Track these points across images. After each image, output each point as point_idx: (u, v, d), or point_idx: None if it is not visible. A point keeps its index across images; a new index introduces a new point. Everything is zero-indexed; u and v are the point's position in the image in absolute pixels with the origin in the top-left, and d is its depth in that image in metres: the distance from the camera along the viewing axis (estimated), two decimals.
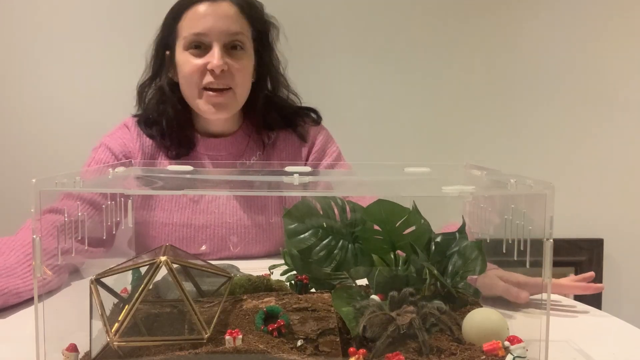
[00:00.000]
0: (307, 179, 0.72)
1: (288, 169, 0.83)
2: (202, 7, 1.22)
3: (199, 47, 1.22)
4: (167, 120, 1.28)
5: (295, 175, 0.70)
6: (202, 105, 1.24)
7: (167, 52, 1.28)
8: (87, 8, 1.71)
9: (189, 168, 0.87)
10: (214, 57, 1.19)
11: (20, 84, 1.72)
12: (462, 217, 0.84)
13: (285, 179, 0.71)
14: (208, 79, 1.21)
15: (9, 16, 1.70)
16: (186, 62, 1.22)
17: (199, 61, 1.21)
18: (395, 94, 1.79)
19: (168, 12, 1.27)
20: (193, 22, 1.22)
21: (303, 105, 1.39)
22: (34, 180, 0.61)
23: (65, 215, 0.73)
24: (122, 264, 0.67)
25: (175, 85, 1.28)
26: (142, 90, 1.33)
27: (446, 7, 1.79)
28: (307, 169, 0.87)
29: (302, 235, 0.80)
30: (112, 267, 0.65)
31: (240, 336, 0.61)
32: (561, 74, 1.81)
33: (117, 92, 1.70)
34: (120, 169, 0.87)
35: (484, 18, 1.79)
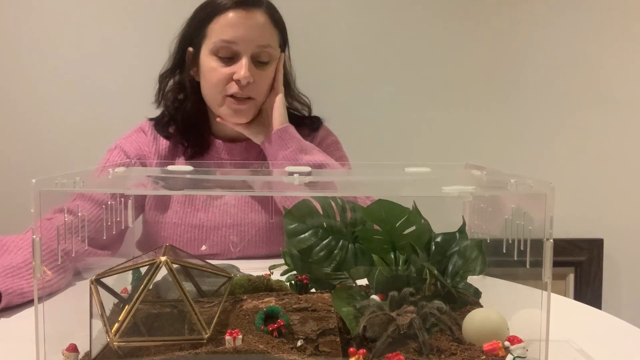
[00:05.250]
0: (307, 179, 0.72)
1: (288, 169, 0.83)
2: (235, 14, 1.21)
3: (227, 54, 1.22)
4: (184, 117, 1.29)
5: (295, 175, 0.70)
6: (223, 111, 1.25)
7: (190, 49, 1.28)
8: (88, 7, 1.71)
9: (189, 168, 0.87)
10: (242, 68, 1.20)
11: (20, 83, 1.72)
12: (462, 217, 0.84)
13: (285, 179, 0.71)
14: (233, 88, 1.22)
15: (8, 16, 1.70)
16: (212, 69, 1.22)
17: (226, 70, 1.21)
18: (396, 94, 1.79)
19: (198, 10, 1.26)
20: (224, 29, 1.21)
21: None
22: (33, 181, 0.61)
23: (67, 215, 0.73)
24: (122, 264, 0.67)
25: (195, 84, 1.29)
26: (162, 80, 1.33)
27: (446, 7, 1.79)
28: (307, 169, 0.87)
29: (302, 235, 0.80)
30: (112, 267, 0.65)
31: (240, 336, 0.61)
32: (561, 74, 1.81)
33: (119, 92, 1.70)
34: (120, 169, 0.87)
35: (485, 18, 1.79)
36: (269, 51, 1.24)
